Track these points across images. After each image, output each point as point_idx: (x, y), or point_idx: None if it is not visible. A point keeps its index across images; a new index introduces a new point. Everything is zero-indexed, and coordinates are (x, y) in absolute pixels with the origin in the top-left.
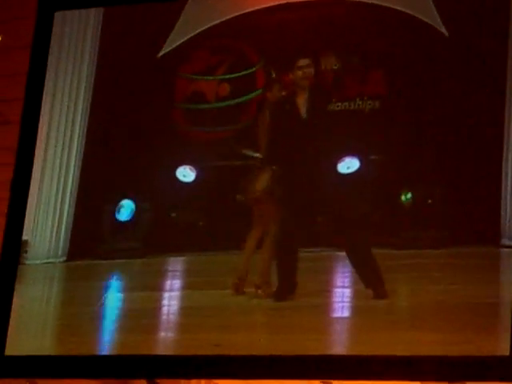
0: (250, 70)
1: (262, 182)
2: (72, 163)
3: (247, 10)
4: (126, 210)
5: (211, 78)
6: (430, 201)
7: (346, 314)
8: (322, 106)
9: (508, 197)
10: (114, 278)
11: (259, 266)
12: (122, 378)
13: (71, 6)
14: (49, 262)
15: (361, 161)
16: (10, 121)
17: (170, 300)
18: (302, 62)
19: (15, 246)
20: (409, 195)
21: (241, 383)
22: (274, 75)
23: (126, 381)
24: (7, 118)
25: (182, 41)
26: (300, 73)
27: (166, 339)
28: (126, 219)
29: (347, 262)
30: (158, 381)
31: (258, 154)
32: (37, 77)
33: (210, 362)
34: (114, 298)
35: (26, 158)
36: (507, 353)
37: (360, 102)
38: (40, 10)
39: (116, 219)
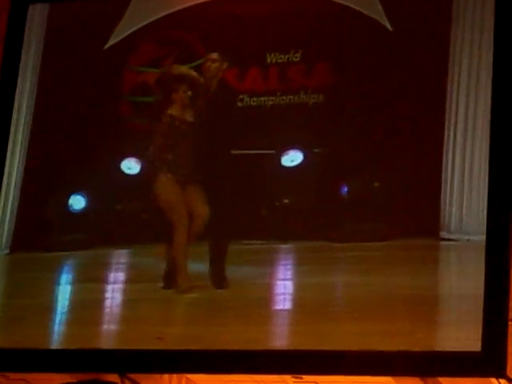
0: (198, 62)
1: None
2: (17, 155)
3: (194, 2)
4: (71, 202)
5: (158, 70)
6: (371, 194)
7: (288, 306)
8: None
9: (448, 190)
10: (59, 270)
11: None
12: (95, 372)
13: None
14: None
15: (304, 154)
16: None
17: (114, 292)
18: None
19: None
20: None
21: (214, 377)
22: (224, 66)
23: (98, 375)
24: None
25: (130, 32)
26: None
27: (108, 331)
28: (71, 211)
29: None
30: (131, 375)
31: None
32: (10, 69)
33: (182, 356)
34: (58, 290)
35: None
36: (478, 348)
37: (304, 96)
38: (14, 2)
39: (61, 211)
